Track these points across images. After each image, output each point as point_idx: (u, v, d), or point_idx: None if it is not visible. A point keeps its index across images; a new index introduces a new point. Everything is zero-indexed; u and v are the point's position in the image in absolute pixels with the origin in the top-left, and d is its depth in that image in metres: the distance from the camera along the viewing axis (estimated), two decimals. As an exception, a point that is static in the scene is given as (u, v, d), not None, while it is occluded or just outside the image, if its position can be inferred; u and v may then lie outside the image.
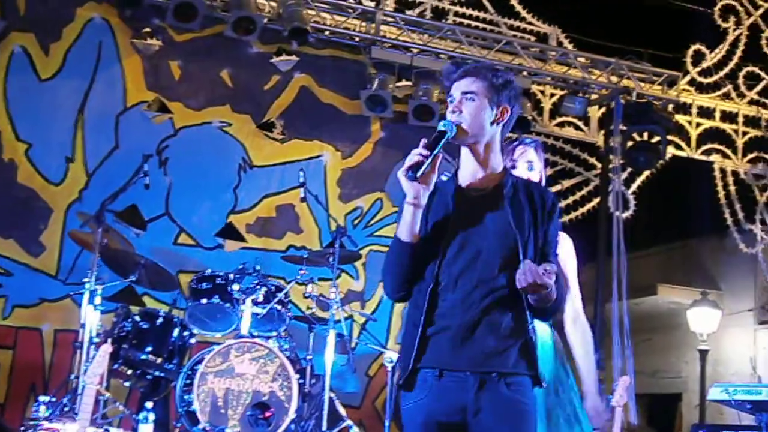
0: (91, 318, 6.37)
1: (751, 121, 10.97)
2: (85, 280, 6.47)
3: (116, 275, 6.87)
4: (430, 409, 3.13)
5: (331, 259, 6.97)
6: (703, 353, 12.57)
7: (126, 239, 7.11)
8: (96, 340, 6.29)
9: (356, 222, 9.07)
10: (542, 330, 3.84)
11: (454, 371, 3.13)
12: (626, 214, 10.17)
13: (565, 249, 4.07)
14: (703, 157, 10.78)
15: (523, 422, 3.16)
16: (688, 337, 13.32)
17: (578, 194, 10.42)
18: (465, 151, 3.29)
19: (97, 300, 6.42)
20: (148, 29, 8.52)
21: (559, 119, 10.22)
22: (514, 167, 3.97)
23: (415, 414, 3.16)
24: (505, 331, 3.16)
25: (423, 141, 3.11)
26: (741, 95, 10.88)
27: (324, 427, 6.46)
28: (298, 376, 6.52)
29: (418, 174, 3.07)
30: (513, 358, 3.16)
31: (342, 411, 6.91)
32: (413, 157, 3.07)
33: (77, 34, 8.42)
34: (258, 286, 6.85)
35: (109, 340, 6.13)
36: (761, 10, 10.92)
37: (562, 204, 10.28)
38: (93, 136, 8.34)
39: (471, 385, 3.11)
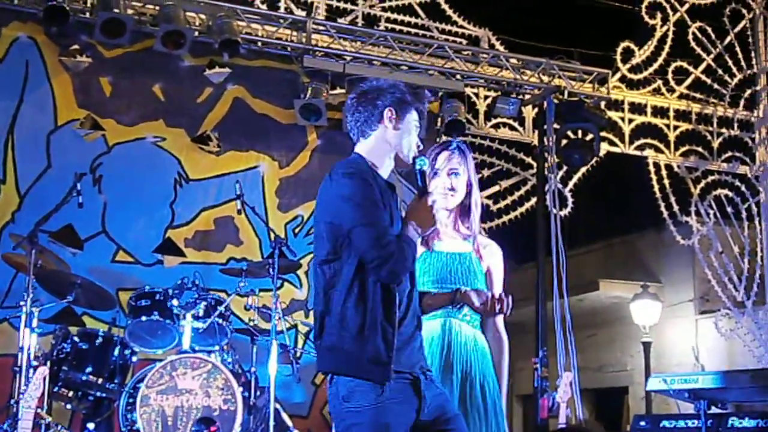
0: (29, 341, 6.27)
1: (682, 115, 11.15)
2: (21, 303, 6.35)
3: (53, 297, 6.78)
4: (399, 410, 3.24)
5: (271, 269, 6.95)
6: (647, 345, 12.75)
7: (61, 259, 7.01)
8: (35, 363, 6.17)
9: (297, 230, 9.05)
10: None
11: (407, 373, 3.30)
12: (564, 212, 10.27)
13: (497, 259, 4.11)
14: (637, 153, 10.92)
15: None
16: (632, 331, 13.48)
17: (517, 194, 10.49)
18: (390, 161, 3.54)
19: (35, 323, 6.30)
20: (76, 46, 8.37)
21: (494, 120, 10.31)
22: (436, 174, 3.97)
23: (384, 415, 3.20)
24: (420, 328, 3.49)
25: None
26: (671, 90, 11.05)
27: (271, 439, 6.44)
28: (242, 389, 6.49)
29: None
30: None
31: (288, 422, 6.90)
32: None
33: (3, 54, 8.28)
34: (198, 301, 6.81)
35: (48, 363, 6.06)
36: (686, 6, 11.11)
37: (501, 204, 10.39)
38: (24, 156, 8.21)
39: (422, 384, 3.31)
